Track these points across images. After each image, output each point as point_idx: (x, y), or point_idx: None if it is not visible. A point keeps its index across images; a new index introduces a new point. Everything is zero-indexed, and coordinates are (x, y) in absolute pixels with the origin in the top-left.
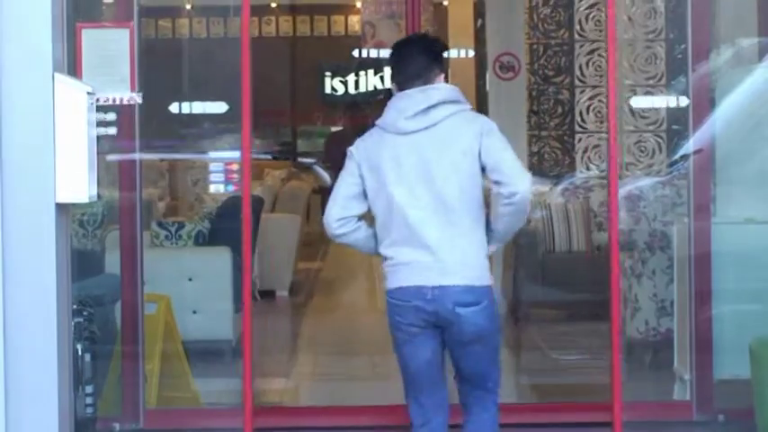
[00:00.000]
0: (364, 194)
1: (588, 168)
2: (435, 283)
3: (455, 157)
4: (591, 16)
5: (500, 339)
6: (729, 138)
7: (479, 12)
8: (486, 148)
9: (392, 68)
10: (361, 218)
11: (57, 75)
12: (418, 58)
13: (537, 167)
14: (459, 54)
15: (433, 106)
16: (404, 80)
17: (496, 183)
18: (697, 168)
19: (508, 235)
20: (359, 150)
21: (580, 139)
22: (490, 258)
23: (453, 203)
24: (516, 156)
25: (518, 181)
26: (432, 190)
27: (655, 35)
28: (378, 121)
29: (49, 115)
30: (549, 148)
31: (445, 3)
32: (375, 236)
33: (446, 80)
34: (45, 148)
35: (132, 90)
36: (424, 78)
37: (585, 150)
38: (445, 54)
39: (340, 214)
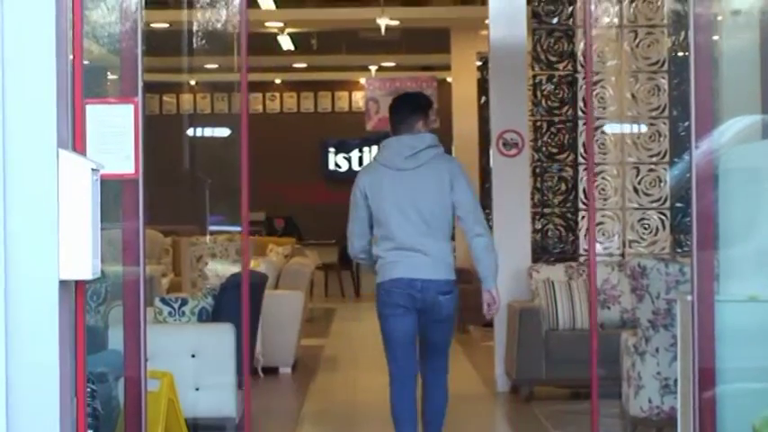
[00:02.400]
0: (370, 217)
1: None
2: (424, 277)
3: (434, 189)
4: (595, 93)
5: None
6: (733, 215)
7: (483, 88)
8: (455, 189)
9: (391, 115)
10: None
11: (61, 151)
12: (407, 108)
13: (541, 244)
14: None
15: (421, 150)
16: (399, 124)
17: (458, 217)
18: (700, 246)
19: (492, 269)
20: (363, 180)
21: (583, 217)
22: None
23: (432, 221)
24: (475, 195)
25: (476, 228)
26: (418, 211)
27: (658, 112)
28: (377, 158)
29: (53, 191)
30: (553, 225)
31: (449, 79)
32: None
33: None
34: (49, 224)
35: (137, 166)
36: (412, 124)
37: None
38: (430, 107)
39: (363, 246)
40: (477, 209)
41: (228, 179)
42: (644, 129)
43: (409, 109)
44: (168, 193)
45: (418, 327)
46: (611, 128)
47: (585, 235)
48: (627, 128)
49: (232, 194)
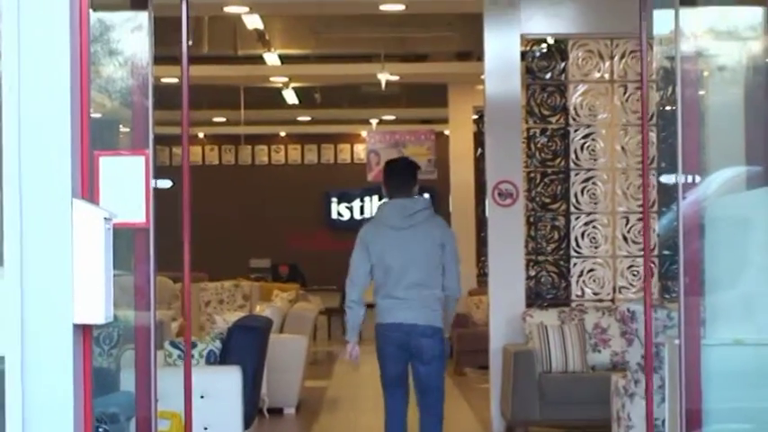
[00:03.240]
0: (370, 269)
1: (583, 292)
2: (410, 322)
3: (427, 247)
4: (586, 146)
5: (445, 364)
6: (719, 262)
7: (479, 141)
8: (445, 250)
9: (385, 180)
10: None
11: (75, 200)
12: (404, 175)
13: (534, 290)
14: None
15: (417, 212)
16: (394, 189)
17: (441, 274)
18: (687, 292)
19: (451, 319)
20: (366, 235)
21: (575, 264)
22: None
23: (423, 273)
24: (458, 262)
25: (452, 285)
26: (412, 265)
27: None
28: (378, 216)
29: (68, 239)
30: (546, 272)
31: (447, 132)
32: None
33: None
34: (64, 271)
35: (147, 215)
36: (406, 190)
37: (581, 274)
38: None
39: (359, 296)
40: (458, 268)
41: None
42: (634, 180)
43: (407, 175)
44: (176, 240)
45: (410, 366)
46: (601, 179)
47: (578, 281)
48: (618, 178)
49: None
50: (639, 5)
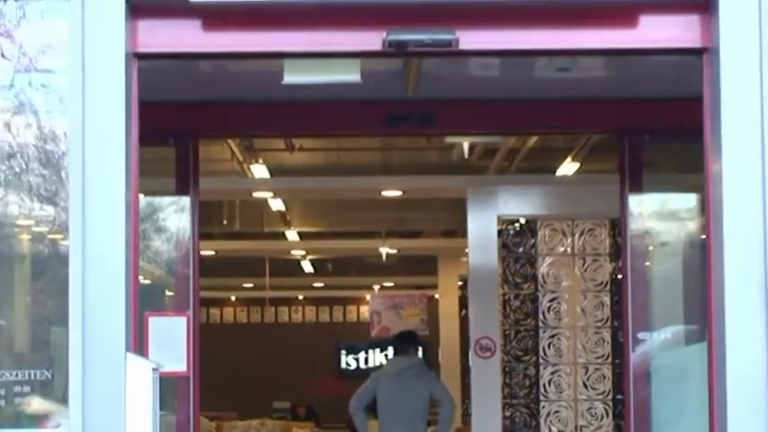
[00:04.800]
0: (373, 397)
1: (550, 430)
2: None
3: (418, 391)
4: (552, 308)
5: None
6: (663, 405)
7: (463, 303)
8: (435, 390)
9: (396, 343)
10: (365, 408)
11: (128, 354)
12: (403, 342)
13: (509, 428)
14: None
15: (410, 366)
16: (401, 350)
17: (439, 401)
18: (636, 430)
19: (448, 426)
20: (375, 379)
21: (543, 406)
22: None
23: (414, 413)
24: (448, 393)
25: (447, 399)
26: (406, 405)
27: (602, 323)
28: (385, 368)
29: (122, 387)
30: (519, 413)
31: (437, 296)
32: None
33: (426, 356)
34: (117, 414)
35: (188, 365)
36: (408, 352)
37: (548, 415)
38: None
39: (357, 403)
40: (449, 394)
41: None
42: (591, 336)
43: (404, 342)
44: (215, 383)
45: None
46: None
47: (545, 421)
48: (579, 334)
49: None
50: (621, 193)
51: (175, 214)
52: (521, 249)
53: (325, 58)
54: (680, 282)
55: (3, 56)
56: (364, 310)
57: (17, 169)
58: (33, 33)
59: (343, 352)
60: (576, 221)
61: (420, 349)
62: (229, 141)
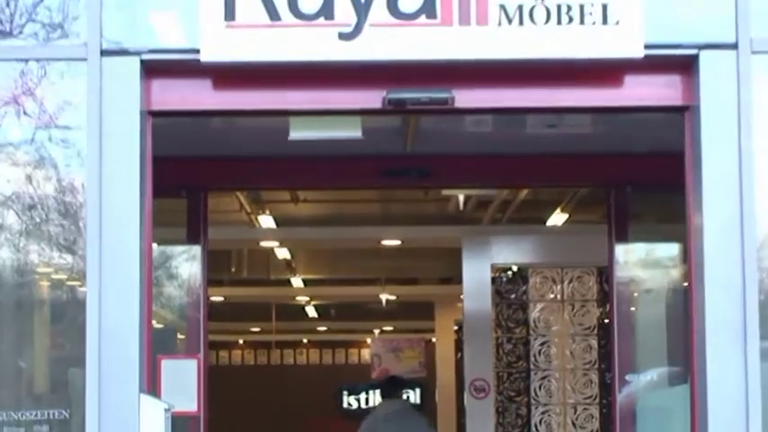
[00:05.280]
0: None
1: None
2: None
3: (407, 428)
4: (542, 351)
5: None
6: None
7: (459, 346)
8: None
9: (382, 388)
10: None
11: (142, 395)
12: (390, 387)
13: None
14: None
15: (401, 408)
16: (390, 393)
17: None
18: None
19: None
20: (369, 420)
21: None
22: None
23: None
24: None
25: None
26: None
27: (590, 365)
28: (377, 408)
29: (135, 428)
30: None
31: (434, 340)
32: None
33: (424, 396)
34: None
35: (199, 405)
36: (395, 396)
37: None
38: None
39: None
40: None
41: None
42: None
43: (395, 387)
44: (223, 422)
45: None
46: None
47: None
48: (568, 376)
49: None
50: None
51: (186, 262)
52: (513, 296)
53: (328, 115)
54: (664, 326)
55: (25, 113)
56: (365, 353)
57: (38, 219)
58: (54, 92)
59: (345, 392)
60: (565, 269)
61: (417, 391)
62: (238, 193)
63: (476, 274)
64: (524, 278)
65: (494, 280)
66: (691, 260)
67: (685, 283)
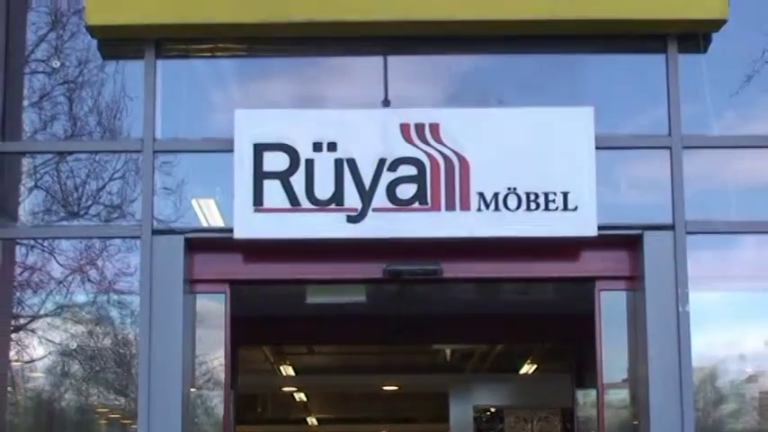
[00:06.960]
0: None
1: None
2: None
3: None
4: None
5: None
6: None
7: None
8: None
9: None
10: None
11: None
12: None
13: None
14: None
15: None
16: None
17: None
18: None
19: None
20: None
21: None
22: None
23: None
24: None
25: None
26: None
27: None
28: None
29: None
30: None
31: None
32: None
33: None
34: None
35: None
36: None
37: None
38: None
39: None
40: None
41: None
42: None
43: None
44: None
45: None
46: None
47: None
48: None
49: None
50: (571, 388)
51: (221, 404)
52: None
53: (337, 284)
54: None
55: (88, 280)
56: None
57: (97, 368)
58: (112, 262)
59: None
60: (534, 410)
61: None
62: (263, 347)
63: (460, 415)
64: (501, 418)
65: (475, 419)
66: (639, 405)
67: (635, 422)
